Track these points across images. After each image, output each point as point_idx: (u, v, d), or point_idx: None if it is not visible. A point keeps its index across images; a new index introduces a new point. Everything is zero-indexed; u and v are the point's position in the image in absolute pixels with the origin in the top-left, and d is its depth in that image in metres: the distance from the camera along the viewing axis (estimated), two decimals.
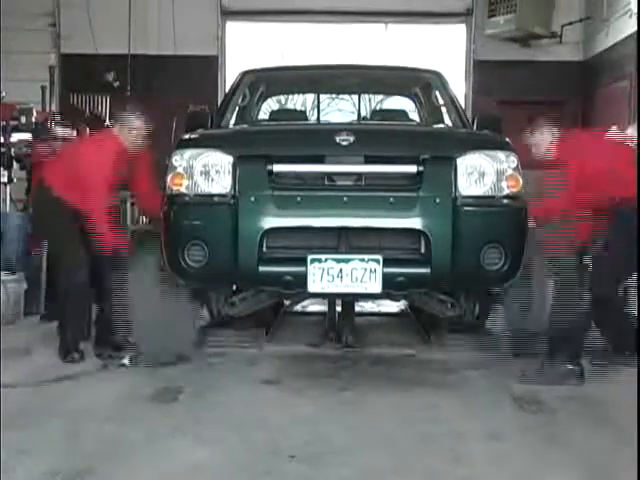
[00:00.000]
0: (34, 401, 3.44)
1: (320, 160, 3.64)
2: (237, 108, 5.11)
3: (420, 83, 5.48)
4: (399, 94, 6.03)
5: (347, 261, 3.51)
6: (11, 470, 2.59)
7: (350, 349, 4.46)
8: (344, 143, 3.59)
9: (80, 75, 9.47)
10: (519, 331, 4.03)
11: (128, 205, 9.56)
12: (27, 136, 6.87)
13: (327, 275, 3.52)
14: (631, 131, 7.25)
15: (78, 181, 4.13)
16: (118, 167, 4.17)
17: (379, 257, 3.51)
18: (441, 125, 4.91)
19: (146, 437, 2.96)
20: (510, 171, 3.63)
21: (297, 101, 7.85)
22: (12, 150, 6.76)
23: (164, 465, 2.70)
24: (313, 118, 5.61)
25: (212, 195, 3.63)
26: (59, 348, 4.21)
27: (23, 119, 6.83)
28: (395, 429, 3.12)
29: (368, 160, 3.64)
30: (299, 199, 3.55)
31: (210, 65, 9.71)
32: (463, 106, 5.27)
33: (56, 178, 4.27)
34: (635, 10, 7.61)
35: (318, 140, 3.77)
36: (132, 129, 4.22)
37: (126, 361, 4.09)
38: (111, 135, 4.33)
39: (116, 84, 9.50)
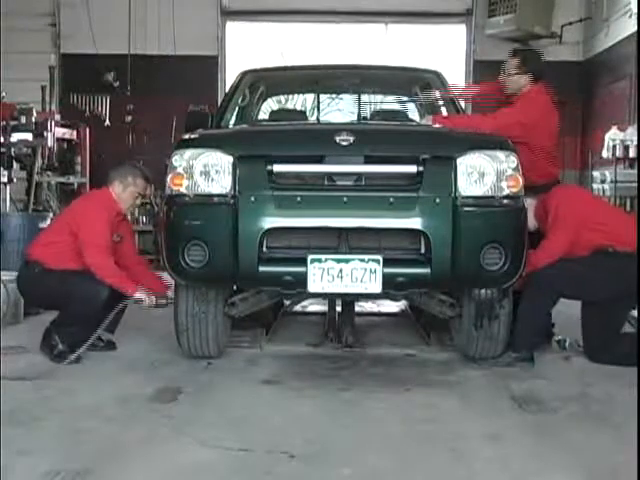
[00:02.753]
0: (33, 400, 3.44)
1: (320, 160, 3.64)
2: (237, 108, 5.11)
3: (420, 83, 5.48)
4: (399, 94, 6.03)
5: (347, 261, 3.51)
6: (11, 470, 2.60)
7: (350, 349, 4.46)
8: (344, 143, 3.59)
9: (80, 75, 9.48)
10: None
11: None
12: (27, 136, 6.89)
13: (327, 275, 3.52)
14: (631, 131, 7.27)
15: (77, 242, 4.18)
16: (113, 227, 4.29)
17: (379, 257, 3.51)
18: (441, 125, 4.91)
19: (146, 437, 2.96)
20: (510, 171, 3.63)
21: (297, 101, 7.87)
22: (12, 150, 6.78)
23: (164, 465, 2.70)
24: (313, 118, 5.61)
25: (212, 195, 3.63)
26: (52, 349, 4.14)
27: (23, 119, 6.85)
28: (395, 429, 3.12)
29: (368, 160, 3.64)
30: (299, 199, 3.55)
31: (210, 65, 9.71)
32: (463, 106, 5.27)
33: (45, 253, 4.23)
34: (635, 10, 7.61)
35: (318, 140, 3.77)
36: (130, 187, 4.35)
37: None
38: (107, 195, 4.37)
39: (116, 84, 9.51)
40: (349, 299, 4.49)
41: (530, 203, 4.24)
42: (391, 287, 3.63)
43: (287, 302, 4.81)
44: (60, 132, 7.61)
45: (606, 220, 4.29)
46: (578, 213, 4.22)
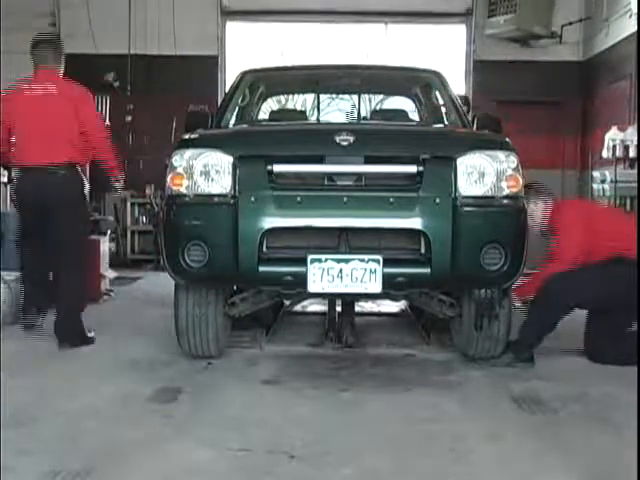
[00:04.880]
0: (33, 400, 3.44)
1: (320, 160, 3.63)
2: (237, 108, 5.11)
3: (420, 83, 5.49)
4: (399, 94, 6.04)
5: (347, 261, 3.51)
6: (11, 470, 2.60)
7: (350, 349, 4.46)
8: (344, 143, 3.59)
9: (80, 75, 9.45)
10: None
11: (128, 205, 9.63)
12: None
13: (327, 275, 3.51)
14: (631, 131, 7.28)
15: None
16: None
17: (379, 257, 3.51)
18: (441, 125, 4.92)
19: (146, 437, 2.96)
20: (510, 171, 3.63)
21: (297, 101, 7.87)
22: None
23: (164, 465, 2.70)
24: (313, 118, 5.61)
25: (212, 195, 3.62)
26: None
27: None
28: (395, 429, 3.12)
29: (368, 160, 3.64)
30: (299, 199, 3.55)
31: (210, 65, 9.71)
32: (463, 106, 5.27)
33: None
34: (635, 10, 7.62)
35: (318, 140, 3.77)
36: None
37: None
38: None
39: (116, 84, 9.51)
40: (349, 299, 4.49)
41: (546, 203, 4.27)
42: (391, 287, 3.63)
43: (287, 302, 4.80)
44: None
45: (615, 227, 4.31)
46: (585, 220, 4.24)
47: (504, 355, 4.14)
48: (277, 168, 3.60)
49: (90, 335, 4.57)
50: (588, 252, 4.18)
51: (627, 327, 4.31)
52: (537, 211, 4.27)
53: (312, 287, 3.54)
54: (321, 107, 5.86)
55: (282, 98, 7.64)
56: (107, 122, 9.41)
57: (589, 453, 2.85)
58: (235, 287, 4.19)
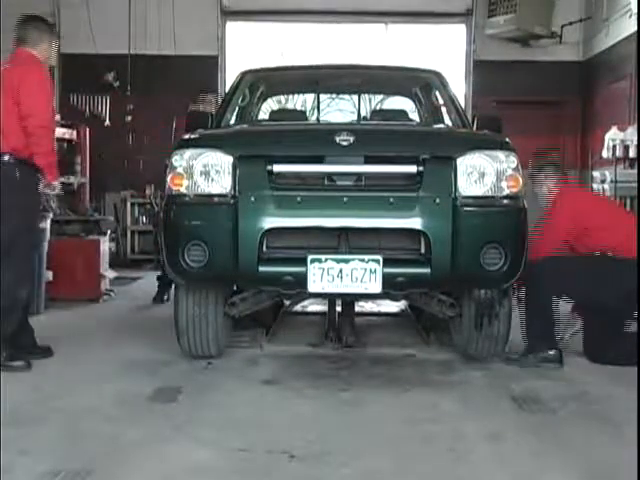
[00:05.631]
0: (33, 400, 3.44)
1: (320, 160, 3.64)
2: (237, 108, 5.11)
3: (420, 83, 5.49)
4: (399, 94, 6.04)
5: (347, 261, 3.51)
6: (11, 470, 2.60)
7: (350, 349, 4.46)
8: (344, 143, 3.59)
9: (80, 75, 9.48)
10: None
11: (128, 205, 9.63)
12: None
13: (327, 275, 3.52)
14: (631, 131, 7.28)
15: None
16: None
17: (379, 257, 3.51)
18: (441, 125, 4.92)
19: (146, 437, 2.96)
20: (510, 171, 3.63)
21: (297, 101, 7.87)
22: None
23: (164, 465, 2.70)
24: (313, 118, 5.61)
25: (212, 195, 3.63)
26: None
27: None
28: (395, 429, 3.12)
29: (368, 160, 3.64)
30: (299, 199, 3.55)
31: (210, 65, 9.71)
32: (463, 106, 5.27)
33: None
34: (635, 10, 7.62)
35: (318, 140, 3.77)
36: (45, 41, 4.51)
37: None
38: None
39: (116, 84, 9.52)
40: (349, 299, 4.49)
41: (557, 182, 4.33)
42: (391, 287, 3.63)
43: (287, 302, 4.80)
44: (60, 132, 7.60)
45: (608, 225, 4.30)
46: (578, 210, 4.29)
47: (530, 355, 4.12)
48: (277, 168, 3.60)
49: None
50: (577, 240, 4.20)
51: (623, 322, 4.31)
52: (545, 185, 4.36)
53: (312, 287, 3.54)
54: (321, 107, 5.86)
55: (282, 98, 7.64)
56: (107, 122, 9.47)
57: (589, 453, 2.85)
58: (235, 287, 4.19)
